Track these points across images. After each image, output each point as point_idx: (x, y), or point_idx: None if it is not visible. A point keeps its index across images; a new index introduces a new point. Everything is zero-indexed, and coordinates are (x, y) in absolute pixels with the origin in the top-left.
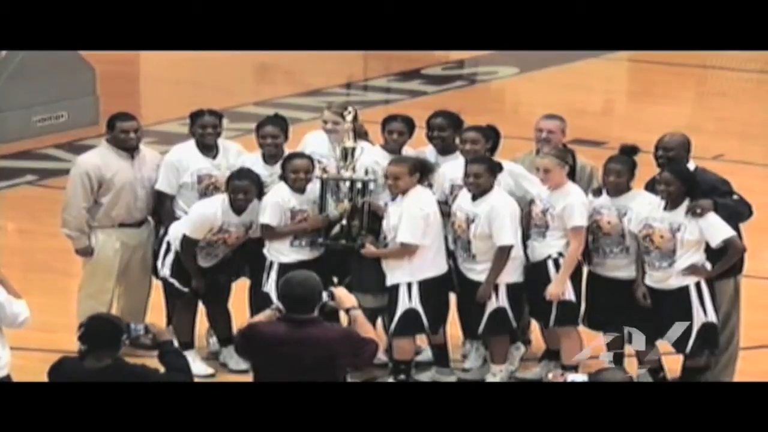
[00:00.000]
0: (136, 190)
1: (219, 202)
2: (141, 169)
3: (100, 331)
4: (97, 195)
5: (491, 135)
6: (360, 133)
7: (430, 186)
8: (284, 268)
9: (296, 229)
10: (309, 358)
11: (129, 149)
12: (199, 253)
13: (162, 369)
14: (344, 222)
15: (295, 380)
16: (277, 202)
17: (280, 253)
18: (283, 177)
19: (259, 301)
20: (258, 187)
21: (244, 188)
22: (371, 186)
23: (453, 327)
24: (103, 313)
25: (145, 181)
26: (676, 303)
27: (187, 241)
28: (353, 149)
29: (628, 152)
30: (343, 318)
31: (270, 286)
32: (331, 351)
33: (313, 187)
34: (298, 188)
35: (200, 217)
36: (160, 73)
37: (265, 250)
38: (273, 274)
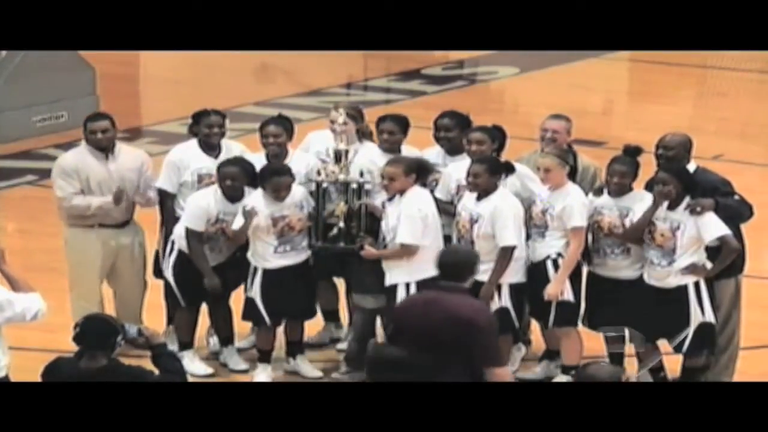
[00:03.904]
0: (112, 190)
1: (211, 192)
2: (116, 169)
3: (94, 332)
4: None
5: (497, 135)
6: (365, 133)
7: (435, 185)
8: (268, 274)
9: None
10: (442, 322)
11: (101, 149)
12: None
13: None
14: (341, 224)
15: (428, 345)
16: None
17: (264, 259)
18: (262, 187)
19: (245, 306)
20: (248, 175)
21: (231, 174)
22: (367, 187)
23: None
24: (98, 314)
25: (119, 182)
26: (674, 302)
27: (190, 234)
28: (346, 151)
29: (632, 153)
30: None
31: (254, 292)
32: (465, 321)
33: (293, 192)
34: (282, 198)
35: (195, 207)
36: (160, 73)
37: (249, 255)
38: (257, 280)
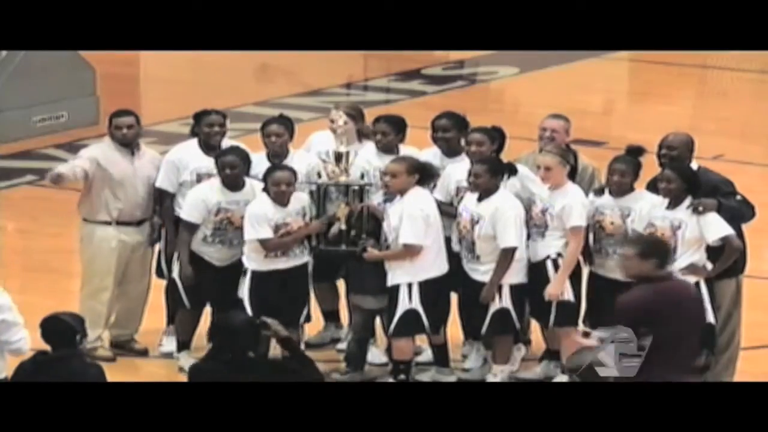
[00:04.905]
0: (136, 187)
1: (210, 183)
2: (141, 167)
3: (54, 331)
4: (92, 184)
5: (496, 136)
6: (365, 134)
7: (434, 187)
8: (257, 276)
9: (298, 237)
10: (699, 305)
11: (125, 145)
12: (213, 245)
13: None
14: (343, 227)
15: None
16: (261, 214)
17: (255, 261)
18: (265, 189)
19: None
20: (246, 162)
21: (230, 163)
22: (367, 188)
23: (453, 327)
24: (59, 313)
25: (144, 179)
26: None
27: (183, 225)
28: (347, 153)
29: (634, 153)
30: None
31: (243, 292)
32: (701, 301)
33: (297, 198)
34: (280, 201)
35: (193, 198)
36: (160, 73)
37: (243, 257)
38: (246, 281)
